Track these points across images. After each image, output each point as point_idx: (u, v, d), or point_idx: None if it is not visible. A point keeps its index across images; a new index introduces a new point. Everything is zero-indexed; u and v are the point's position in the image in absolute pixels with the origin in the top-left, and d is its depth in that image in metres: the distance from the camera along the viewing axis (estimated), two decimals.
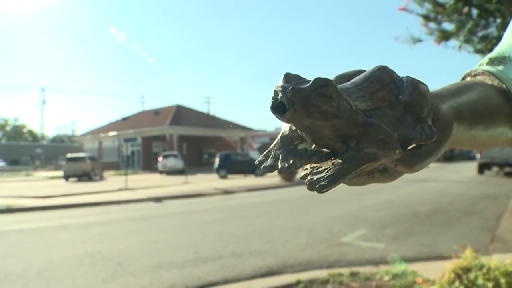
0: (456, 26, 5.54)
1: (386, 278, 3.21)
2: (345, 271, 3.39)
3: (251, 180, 15.75)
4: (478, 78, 0.46)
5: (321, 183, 0.28)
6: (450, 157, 35.15)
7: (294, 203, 8.73)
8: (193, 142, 31.97)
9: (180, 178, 17.51)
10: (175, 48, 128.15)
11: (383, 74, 0.32)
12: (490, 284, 2.22)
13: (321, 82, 0.27)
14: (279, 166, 0.31)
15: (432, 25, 5.84)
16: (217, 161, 19.20)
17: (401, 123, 0.32)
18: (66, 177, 19.73)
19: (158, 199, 10.02)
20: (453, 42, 5.86)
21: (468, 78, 0.48)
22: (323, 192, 0.29)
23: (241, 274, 3.54)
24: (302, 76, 0.29)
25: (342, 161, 0.29)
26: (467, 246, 2.81)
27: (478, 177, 14.32)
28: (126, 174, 14.37)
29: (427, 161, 0.34)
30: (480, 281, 2.27)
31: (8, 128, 71.22)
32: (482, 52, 5.70)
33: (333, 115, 0.27)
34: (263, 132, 38.80)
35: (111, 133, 33.54)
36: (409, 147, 0.33)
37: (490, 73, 0.45)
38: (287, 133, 0.33)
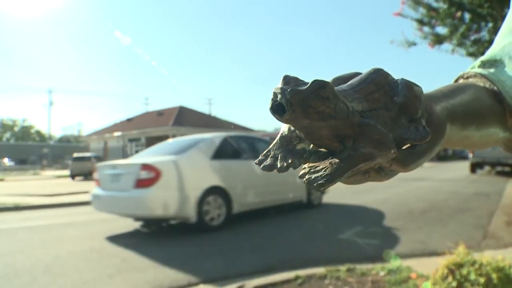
0: (449, 30, 5.55)
1: (382, 273, 3.21)
2: (342, 267, 3.39)
3: None
4: (471, 80, 0.46)
5: (319, 182, 0.28)
6: (444, 157, 35.14)
7: None
8: None
9: None
10: (178, 51, 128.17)
11: (378, 76, 0.32)
12: (482, 279, 2.22)
13: (319, 84, 0.27)
14: (278, 165, 0.31)
15: (426, 29, 5.85)
16: None
17: (396, 124, 0.32)
18: (73, 176, 19.75)
19: None
20: (447, 46, 5.88)
21: (461, 80, 0.48)
22: (321, 190, 0.29)
23: (241, 270, 3.54)
24: (301, 78, 0.30)
25: (339, 161, 0.29)
26: (460, 242, 2.81)
27: (470, 176, 14.32)
28: None
29: (421, 160, 0.34)
30: (472, 276, 2.27)
31: (16, 129, 71.23)
32: (474, 55, 5.70)
33: (331, 116, 0.28)
34: (263, 132, 38.78)
35: (116, 134, 33.55)
36: (404, 147, 0.33)
37: (482, 76, 0.45)
38: (286, 133, 0.33)
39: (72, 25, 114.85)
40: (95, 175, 5.91)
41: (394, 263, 3.41)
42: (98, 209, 5.67)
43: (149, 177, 4.84)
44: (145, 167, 4.93)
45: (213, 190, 5.28)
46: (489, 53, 0.49)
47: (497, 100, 0.43)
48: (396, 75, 0.34)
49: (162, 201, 4.82)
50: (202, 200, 5.07)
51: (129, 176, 5.01)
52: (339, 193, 8.91)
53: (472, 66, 0.49)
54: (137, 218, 5.62)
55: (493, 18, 5.07)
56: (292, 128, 0.32)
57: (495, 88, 0.44)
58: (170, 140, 6.62)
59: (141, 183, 4.85)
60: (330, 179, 0.28)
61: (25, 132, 70.87)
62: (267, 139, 7.25)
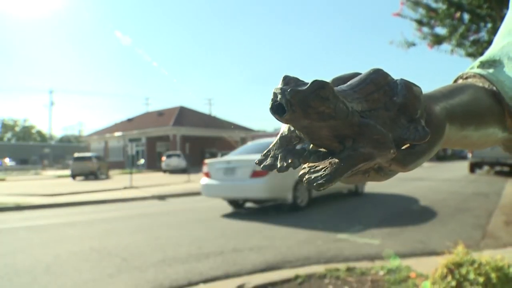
0: (449, 30, 5.55)
1: (381, 273, 3.21)
2: (342, 266, 3.39)
3: None
4: (470, 80, 0.46)
5: (319, 182, 0.28)
6: (443, 157, 35.12)
7: None
8: (195, 142, 31.97)
9: (183, 177, 17.51)
10: (178, 52, 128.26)
11: (378, 77, 0.32)
12: (481, 279, 2.22)
13: (318, 84, 0.27)
14: (278, 165, 0.31)
15: (425, 29, 5.85)
16: None
17: (396, 124, 0.32)
18: (73, 176, 19.73)
19: (162, 197, 10.03)
20: (446, 46, 5.87)
21: (460, 81, 0.48)
22: (321, 190, 0.29)
23: (242, 269, 3.54)
24: (301, 78, 0.29)
25: (339, 160, 0.29)
26: (459, 242, 2.81)
27: (469, 176, 14.32)
28: (131, 173, 14.37)
29: (420, 160, 0.34)
30: (471, 275, 2.27)
31: (17, 129, 71.22)
32: (473, 55, 5.70)
33: (330, 116, 0.28)
34: (263, 132, 38.74)
35: (117, 134, 33.55)
36: (403, 147, 0.33)
37: (481, 76, 0.45)
38: (286, 133, 0.33)
39: (73, 26, 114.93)
40: (204, 168, 7.33)
41: (394, 262, 3.41)
42: (210, 195, 7.26)
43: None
44: None
45: None
46: (488, 54, 0.49)
47: (496, 100, 0.43)
48: (396, 75, 0.34)
49: (273, 187, 6.51)
50: (295, 187, 6.71)
51: (245, 169, 6.62)
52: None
53: (471, 66, 0.49)
54: (245, 201, 7.37)
55: (492, 18, 5.07)
56: (292, 128, 0.32)
57: (494, 88, 0.44)
58: (250, 143, 8.19)
59: (257, 174, 6.47)
60: (330, 179, 0.28)
61: (26, 132, 70.82)
62: None
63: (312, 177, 0.29)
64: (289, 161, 0.31)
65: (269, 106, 0.28)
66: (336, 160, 0.29)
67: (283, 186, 6.62)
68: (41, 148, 51.36)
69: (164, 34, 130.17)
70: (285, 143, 0.32)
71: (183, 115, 31.59)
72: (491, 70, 0.46)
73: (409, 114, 0.32)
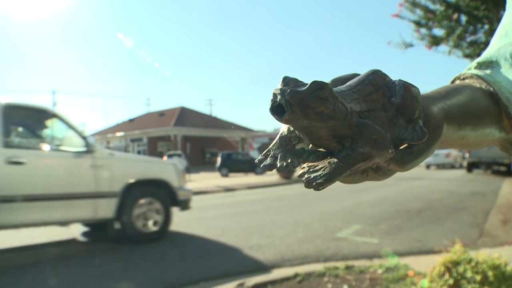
0: (446, 32, 5.54)
1: (380, 271, 3.21)
2: (341, 264, 3.39)
3: (251, 178, 15.75)
4: (467, 81, 0.46)
5: (318, 181, 0.28)
6: None
7: (292, 200, 8.74)
8: (196, 142, 31.97)
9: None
10: (179, 53, 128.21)
11: (376, 78, 0.32)
12: (478, 277, 2.22)
13: (317, 85, 0.27)
14: (278, 165, 0.31)
15: (423, 30, 5.84)
16: (219, 160, 19.25)
17: (394, 124, 0.32)
18: None
19: None
20: (443, 47, 5.87)
21: (457, 82, 0.48)
22: (320, 190, 0.29)
23: (241, 267, 3.54)
24: (300, 79, 0.29)
25: (337, 160, 0.29)
26: (457, 240, 2.81)
27: (466, 175, 14.32)
28: None
29: (418, 160, 0.34)
30: (468, 274, 2.27)
31: None
32: (470, 56, 5.70)
33: (329, 116, 0.28)
34: (263, 132, 38.76)
35: (119, 134, 33.55)
36: (401, 147, 0.33)
37: (478, 77, 0.45)
38: (286, 133, 0.33)
39: (75, 28, 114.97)
40: None
41: (392, 261, 3.42)
42: None
43: None
44: None
45: None
46: (485, 55, 0.49)
47: (493, 101, 0.43)
48: (394, 76, 0.34)
49: None
50: None
51: None
52: (337, 192, 8.91)
53: (468, 67, 0.49)
54: None
55: (489, 20, 5.06)
56: (291, 129, 0.32)
57: (491, 89, 0.44)
58: None
59: None
60: (329, 178, 0.28)
61: None
62: None
63: (311, 177, 0.29)
64: (289, 160, 0.31)
65: (269, 106, 0.28)
66: (335, 160, 0.29)
67: None
68: None
69: (165, 36, 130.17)
70: (285, 143, 0.32)
71: (184, 116, 31.58)
72: (488, 71, 0.46)
73: (407, 115, 0.32)
